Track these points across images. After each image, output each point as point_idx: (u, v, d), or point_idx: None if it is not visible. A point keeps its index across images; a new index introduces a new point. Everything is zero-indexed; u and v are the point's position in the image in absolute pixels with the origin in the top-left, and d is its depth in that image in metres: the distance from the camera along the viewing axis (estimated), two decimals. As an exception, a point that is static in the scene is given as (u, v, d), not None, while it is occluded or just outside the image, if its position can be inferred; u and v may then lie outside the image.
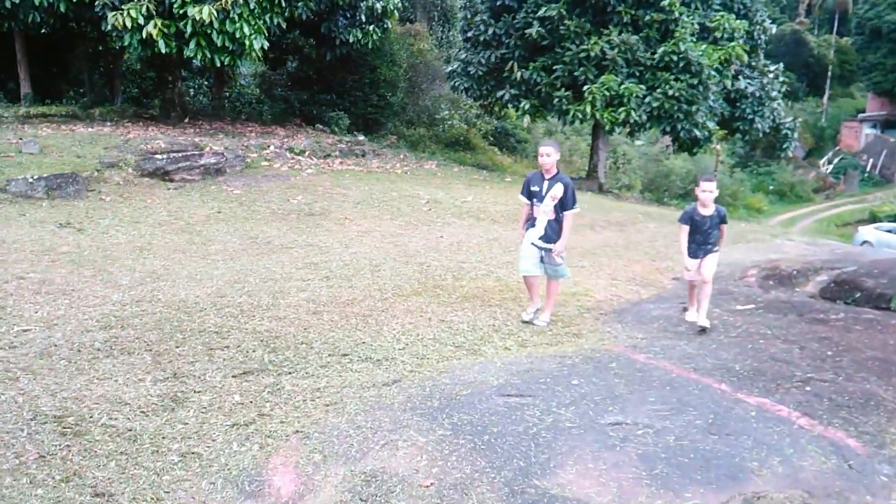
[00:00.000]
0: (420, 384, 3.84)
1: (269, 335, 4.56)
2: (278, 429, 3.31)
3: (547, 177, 5.17)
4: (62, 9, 11.82)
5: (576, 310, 5.79)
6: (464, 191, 12.36)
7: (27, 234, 7.04)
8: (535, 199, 5.21)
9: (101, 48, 17.16)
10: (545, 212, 5.15)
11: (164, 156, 10.69)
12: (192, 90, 21.18)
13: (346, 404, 3.57)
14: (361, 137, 16.32)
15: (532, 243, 5.25)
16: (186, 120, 15.17)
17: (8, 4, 11.62)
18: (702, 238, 5.24)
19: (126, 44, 11.72)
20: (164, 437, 3.18)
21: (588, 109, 14.27)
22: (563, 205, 5.12)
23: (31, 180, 8.83)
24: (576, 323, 5.42)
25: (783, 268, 7.60)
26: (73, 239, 7.06)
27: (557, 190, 5.10)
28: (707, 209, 5.20)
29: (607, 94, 14.24)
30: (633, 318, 5.63)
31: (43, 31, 13.09)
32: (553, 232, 5.17)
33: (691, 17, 14.99)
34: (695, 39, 14.74)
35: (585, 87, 14.42)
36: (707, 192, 5.12)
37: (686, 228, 5.30)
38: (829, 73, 48.28)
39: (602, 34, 14.78)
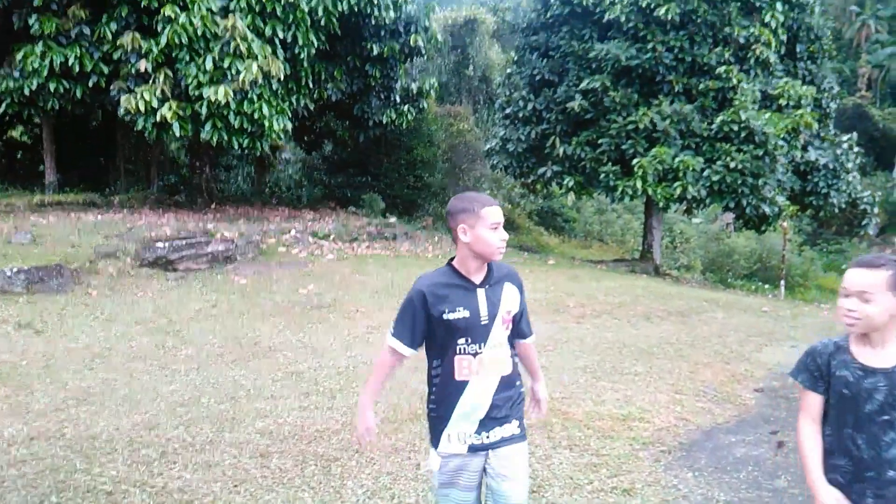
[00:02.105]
0: None
1: (178, 499, 3.20)
2: None
3: (477, 276, 2.29)
4: (78, 94, 11.41)
5: (627, 445, 4.23)
6: (499, 277, 11.00)
7: (-31, 339, 6.00)
8: (458, 341, 2.26)
9: (136, 137, 17.03)
10: (494, 361, 2.30)
11: (167, 244, 9.77)
12: (238, 177, 20.96)
13: None
14: (393, 220, 15.31)
15: (469, 445, 2.32)
16: (213, 206, 14.51)
17: (27, 91, 11.28)
18: (867, 437, 1.98)
19: (140, 127, 11.14)
20: None
21: (639, 185, 12.91)
22: (519, 330, 2.43)
23: (9, 274, 7.94)
24: (626, 469, 3.86)
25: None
26: (21, 344, 5.97)
27: (510, 297, 2.35)
28: (877, 349, 1.99)
29: (660, 167, 12.89)
30: (709, 461, 4.04)
31: (66, 118, 12.84)
32: (510, 399, 2.36)
33: (751, 85, 13.70)
34: (757, 108, 13.39)
35: (635, 161, 13.12)
36: (871, 304, 1.93)
37: (814, 404, 2.09)
38: (898, 146, 45.81)
39: (651, 105, 13.60)
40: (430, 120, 18.62)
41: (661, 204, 13.38)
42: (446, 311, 2.21)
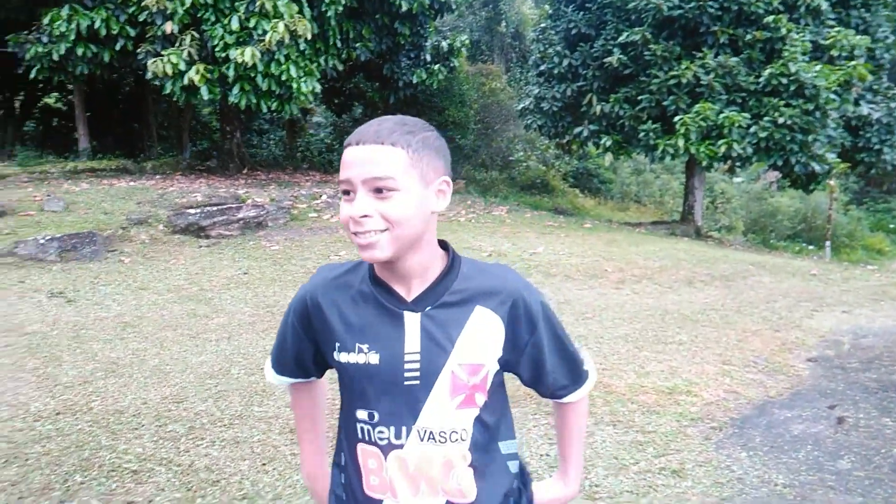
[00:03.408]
0: None
1: (205, 479, 3.07)
2: None
3: (410, 285, 1.20)
4: (106, 58, 11.28)
5: (674, 421, 3.99)
6: (534, 240, 10.70)
7: (3, 309, 5.98)
8: (357, 413, 1.23)
9: (168, 102, 16.95)
10: (431, 468, 1.20)
11: (199, 210, 9.69)
12: (270, 142, 20.85)
13: None
14: (425, 183, 15.01)
15: None
16: (244, 171, 14.42)
17: (55, 57, 11.19)
18: None
19: (168, 91, 10.98)
20: None
21: (681, 143, 12.37)
22: (543, 385, 1.31)
23: (42, 241, 7.93)
24: (674, 447, 3.63)
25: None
26: (52, 313, 5.94)
27: (481, 335, 1.20)
28: None
29: (703, 124, 12.31)
30: (764, 439, 3.78)
31: (98, 84, 12.78)
32: None
33: (801, 35, 12.92)
34: (807, 59, 12.64)
35: (677, 119, 12.56)
36: None
37: None
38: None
39: (694, 58, 12.94)
40: (462, 79, 18.12)
41: (703, 163, 12.84)
42: (337, 346, 1.21)
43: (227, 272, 8.01)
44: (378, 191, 1.09)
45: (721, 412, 4.17)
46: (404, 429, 1.18)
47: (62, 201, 9.40)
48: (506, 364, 1.24)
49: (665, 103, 13.02)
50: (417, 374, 1.17)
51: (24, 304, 6.23)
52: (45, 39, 11.26)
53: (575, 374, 1.32)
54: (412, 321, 1.18)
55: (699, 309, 7.07)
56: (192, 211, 9.66)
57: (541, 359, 1.26)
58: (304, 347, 1.31)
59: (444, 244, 1.24)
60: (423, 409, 1.18)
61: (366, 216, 1.09)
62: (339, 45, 12.94)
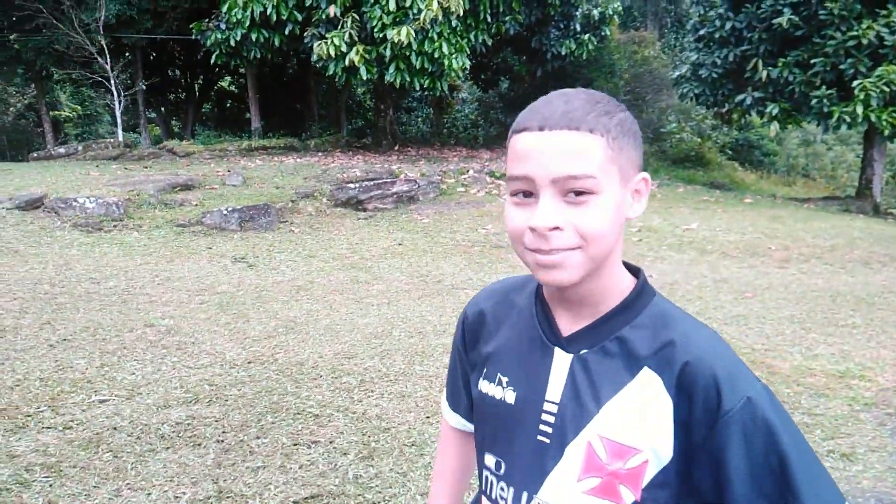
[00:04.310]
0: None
1: (377, 426, 3.39)
2: None
3: (570, 316, 0.94)
4: (277, 42, 12.21)
5: (845, 405, 3.78)
6: (688, 216, 10.29)
7: (196, 270, 6.80)
8: (486, 458, 1.00)
9: (327, 83, 18.03)
10: None
11: (357, 185, 10.32)
12: (419, 119, 21.58)
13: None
14: (572, 157, 14.84)
15: None
16: (396, 147, 15.07)
17: (232, 42, 12.29)
18: None
19: (331, 73, 11.70)
20: None
21: (859, 110, 11.27)
22: None
23: (225, 212, 8.86)
24: (845, 431, 3.46)
25: None
26: (237, 276, 6.67)
27: (636, 409, 0.86)
28: None
29: (886, 89, 11.12)
30: (951, 430, 3.48)
31: (266, 67, 13.86)
32: None
33: None
34: None
35: (856, 83, 11.43)
36: None
37: None
38: None
39: (878, 16, 11.66)
40: (613, 48, 17.59)
41: (886, 132, 11.63)
42: (484, 371, 1.02)
43: (383, 243, 8.51)
44: (574, 193, 0.81)
45: (900, 400, 3.89)
46: (525, 495, 0.92)
47: (240, 176, 10.40)
48: (680, 463, 0.85)
49: (842, 67, 11.89)
50: (550, 429, 0.91)
51: (212, 266, 7.05)
52: (223, 26, 12.39)
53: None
54: (561, 362, 0.92)
55: (876, 291, 6.51)
56: (351, 185, 10.30)
57: (721, 477, 0.82)
58: (462, 372, 1.11)
59: (634, 269, 0.94)
60: (549, 477, 0.91)
61: (556, 228, 0.81)
62: (489, 19, 13.06)
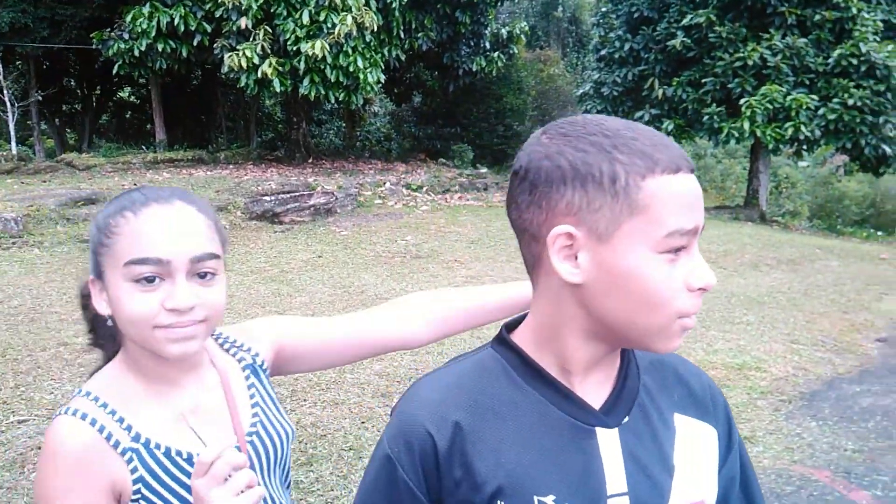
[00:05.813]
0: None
1: (313, 433, 3.43)
2: None
3: (591, 381, 0.77)
4: (184, 53, 11.90)
5: (744, 394, 4.16)
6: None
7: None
8: None
9: (234, 94, 17.65)
10: None
11: (273, 197, 10.20)
12: (331, 132, 21.44)
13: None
14: (484, 170, 15.27)
15: None
16: (310, 160, 14.95)
17: (136, 53, 11.87)
18: None
19: (243, 84, 11.52)
20: None
21: (746, 126, 12.23)
22: None
23: (134, 227, 8.53)
24: (745, 417, 3.81)
25: None
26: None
27: (696, 455, 0.79)
28: None
29: (770, 107, 12.14)
30: (833, 410, 3.91)
31: (169, 78, 13.44)
32: None
33: (872, 14, 12.56)
34: (879, 39, 12.30)
35: (742, 101, 12.42)
36: None
37: None
38: None
39: (761, 39, 12.74)
40: (520, 66, 18.23)
41: (770, 146, 12.67)
42: (498, 502, 0.72)
43: (302, 255, 8.46)
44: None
45: (790, 387, 4.31)
46: None
47: (149, 189, 10.04)
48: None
49: (730, 86, 12.88)
50: None
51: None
52: (126, 36, 11.94)
53: None
54: (609, 442, 0.74)
55: (766, 291, 7.12)
56: (266, 198, 10.17)
57: (730, 489, 0.82)
58: None
59: None
60: None
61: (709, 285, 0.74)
62: (402, 35, 13.27)
